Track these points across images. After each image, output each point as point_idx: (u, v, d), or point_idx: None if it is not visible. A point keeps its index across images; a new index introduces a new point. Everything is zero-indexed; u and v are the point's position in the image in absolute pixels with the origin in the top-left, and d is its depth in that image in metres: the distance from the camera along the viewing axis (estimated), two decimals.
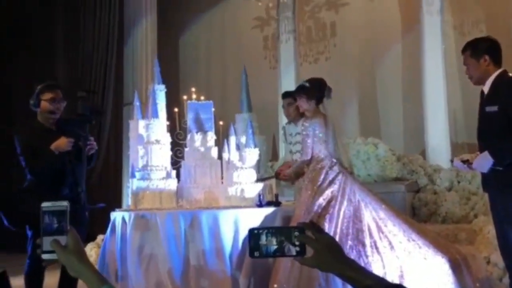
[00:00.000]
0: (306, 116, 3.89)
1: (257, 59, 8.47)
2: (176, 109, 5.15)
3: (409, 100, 7.40)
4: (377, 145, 6.37)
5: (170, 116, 5.09)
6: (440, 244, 3.60)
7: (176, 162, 4.86)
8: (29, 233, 3.37)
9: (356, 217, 3.66)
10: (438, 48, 6.63)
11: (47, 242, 1.22)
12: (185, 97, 5.21)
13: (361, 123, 7.68)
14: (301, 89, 3.90)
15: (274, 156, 7.51)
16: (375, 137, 6.57)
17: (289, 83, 7.39)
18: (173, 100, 5.25)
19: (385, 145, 6.36)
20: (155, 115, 4.68)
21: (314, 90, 3.85)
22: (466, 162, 3.17)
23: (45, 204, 1.25)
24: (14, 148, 3.48)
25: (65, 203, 1.26)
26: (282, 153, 7.11)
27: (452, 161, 3.41)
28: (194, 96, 5.10)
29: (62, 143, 3.39)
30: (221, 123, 5.21)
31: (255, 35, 8.79)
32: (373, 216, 3.67)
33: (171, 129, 4.99)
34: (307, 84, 3.88)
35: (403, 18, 7.60)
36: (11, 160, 3.67)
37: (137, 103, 4.95)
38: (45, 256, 1.22)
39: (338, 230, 3.54)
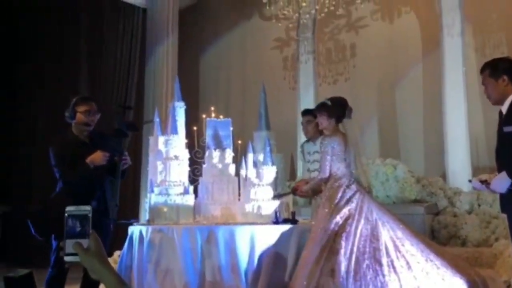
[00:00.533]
0: (326, 134, 3.96)
1: (276, 80, 8.59)
2: (195, 128, 5.26)
3: (429, 122, 7.41)
4: (396, 166, 6.39)
5: (189, 134, 5.20)
6: (458, 265, 3.59)
7: (194, 180, 4.95)
8: (54, 243, 3.44)
9: (373, 235, 3.68)
10: (459, 70, 6.67)
11: (69, 245, 1.28)
12: (204, 115, 5.33)
13: (380, 144, 7.70)
14: (322, 106, 3.99)
15: (292, 175, 7.56)
16: (394, 159, 6.59)
17: (308, 104, 7.47)
18: (192, 119, 5.37)
19: (404, 167, 6.38)
20: (175, 131, 4.79)
21: (336, 108, 3.94)
22: (484, 182, 3.18)
23: (69, 208, 1.32)
24: (49, 159, 3.54)
25: (88, 208, 1.33)
26: (299, 171, 7.17)
27: (470, 181, 3.43)
28: (213, 115, 5.22)
29: (97, 157, 3.45)
30: (239, 142, 5.31)
31: (275, 56, 8.93)
32: (391, 235, 3.68)
33: (190, 147, 5.08)
34: (329, 102, 3.97)
35: (423, 39, 7.66)
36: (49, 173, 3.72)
37: (157, 119, 5.06)
38: (67, 259, 1.29)
39: (355, 249, 3.56)
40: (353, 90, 7.79)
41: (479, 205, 5.93)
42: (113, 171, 3.44)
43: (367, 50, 8.11)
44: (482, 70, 3.25)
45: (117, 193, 3.42)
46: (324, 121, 3.96)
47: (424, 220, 5.75)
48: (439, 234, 5.80)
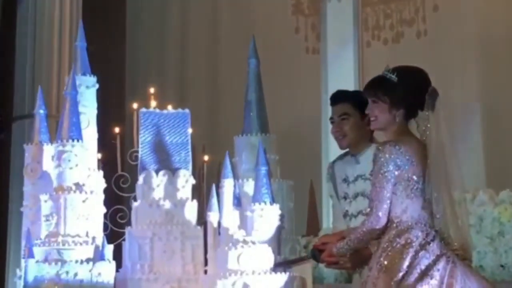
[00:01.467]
0: (385, 142, 4.00)
1: (280, 34, 8.69)
2: (116, 129, 5.30)
3: None
4: None
5: (106, 144, 5.24)
6: None
7: (114, 234, 4.97)
8: None
9: None
10: None
11: None
12: (135, 105, 5.37)
13: (488, 164, 7.77)
14: (380, 85, 4.03)
15: (312, 225, 7.58)
16: None
17: (343, 81, 7.54)
18: (112, 112, 5.40)
19: None
20: (76, 134, 4.82)
21: (406, 89, 3.99)
22: None
23: None
24: None
25: None
26: (327, 217, 7.19)
27: None
28: (153, 104, 5.30)
29: None
30: (205, 157, 5.33)
31: None
32: None
33: (107, 168, 5.13)
34: (394, 76, 4.01)
35: None
36: None
37: (41, 110, 5.09)
38: None
39: None
40: (432, 56, 7.90)
41: None
42: None
43: None
44: None
45: None
46: (382, 114, 3.99)
47: None
48: None
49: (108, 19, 9.10)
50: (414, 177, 3.92)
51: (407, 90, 3.98)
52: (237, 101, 7.79)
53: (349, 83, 7.44)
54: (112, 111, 5.53)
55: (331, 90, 6.65)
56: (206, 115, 7.24)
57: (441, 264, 3.90)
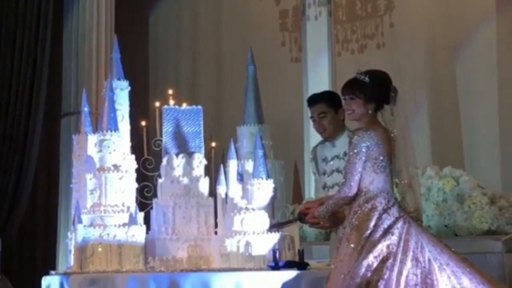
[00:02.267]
0: (359, 128, 3.99)
1: (270, 46, 8.65)
2: (143, 123, 5.31)
3: (510, 111, 7.51)
4: (459, 178, 6.45)
5: (135, 134, 5.25)
6: None
7: (144, 204, 4.99)
8: None
9: (426, 285, 3.73)
10: None
11: None
12: (157, 103, 5.36)
13: (433, 146, 7.77)
14: (355, 84, 4.01)
15: (296, 196, 7.59)
16: (455, 167, 6.64)
17: (319, 83, 7.53)
18: (138, 110, 5.40)
19: (471, 180, 6.44)
20: (114, 126, 4.85)
21: (376, 87, 3.97)
22: None
23: None
24: None
25: None
26: (309, 189, 7.19)
27: None
28: (172, 102, 5.26)
29: None
30: (213, 144, 5.34)
31: (267, 9, 8.99)
32: (453, 284, 3.74)
33: (136, 154, 5.14)
34: (366, 78, 4.01)
35: None
36: None
37: (85, 108, 5.11)
38: None
39: None
40: (390, 63, 7.88)
41: None
42: None
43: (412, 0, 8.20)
44: None
45: None
46: (358, 108, 3.99)
47: (503, 262, 5.78)
48: None
49: (134, 35, 9.07)
50: (380, 157, 3.93)
51: (376, 88, 3.98)
52: (238, 99, 7.82)
53: (325, 85, 7.46)
54: (139, 109, 5.51)
55: (311, 91, 6.69)
56: (213, 111, 7.21)
57: (399, 224, 3.90)
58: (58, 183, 7.81)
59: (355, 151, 3.92)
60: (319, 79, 7.83)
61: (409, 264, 3.77)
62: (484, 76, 7.77)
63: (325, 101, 4.72)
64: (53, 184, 8.12)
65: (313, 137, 7.01)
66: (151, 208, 4.94)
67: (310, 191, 7.20)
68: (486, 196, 6.35)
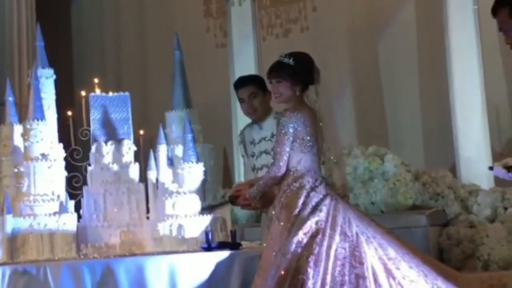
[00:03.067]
0: (286, 110, 4.05)
1: (195, 33, 8.64)
2: (69, 113, 5.25)
3: (428, 89, 7.75)
4: (383, 157, 6.64)
5: (61, 124, 5.20)
6: None
7: (74, 193, 4.97)
8: None
9: (354, 257, 3.82)
10: (468, 10, 7.00)
11: None
12: (83, 93, 5.31)
13: (358, 127, 7.94)
14: (283, 67, 4.05)
15: (226, 181, 7.66)
16: (380, 146, 6.85)
17: (245, 68, 7.59)
18: (63, 101, 5.34)
19: (395, 157, 6.64)
20: (40, 115, 4.79)
21: (301, 69, 4.03)
22: (511, 168, 3.41)
23: None
24: None
25: None
26: (238, 172, 7.27)
27: (491, 168, 3.66)
28: (98, 91, 5.23)
29: None
30: (141, 132, 5.34)
31: None
32: (380, 255, 3.85)
33: (63, 144, 5.08)
34: (291, 61, 4.06)
35: None
36: None
37: (10, 97, 5.06)
38: None
39: (329, 278, 3.69)
40: (313, 46, 7.93)
41: (505, 208, 6.26)
42: None
43: None
44: (496, 9, 3.38)
45: None
46: (285, 90, 4.04)
47: (428, 234, 6.02)
48: (449, 254, 6.09)
49: (57, 23, 8.93)
50: (307, 137, 4.00)
51: (302, 70, 4.04)
52: (163, 87, 7.82)
53: (251, 70, 7.54)
54: (64, 99, 5.44)
55: (237, 75, 6.69)
56: (139, 99, 7.18)
57: (327, 201, 3.98)
58: None
59: (283, 131, 3.98)
60: (245, 64, 7.90)
61: (337, 238, 3.86)
62: (404, 56, 7.97)
63: (255, 83, 4.77)
64: None
65: (241, 121, 7.08)
66: (81, 197, 4.91)
67: (240, 175, 7.28)
68: (410, 173, 6.56)
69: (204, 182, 4.81)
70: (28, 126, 4.75)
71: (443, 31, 7.17)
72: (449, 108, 7.05)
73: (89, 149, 5.03)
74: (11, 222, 4.52)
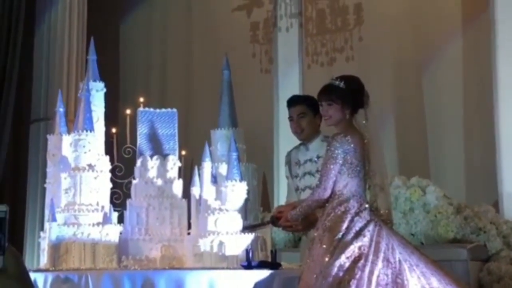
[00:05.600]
0: (336, 133, 4.05)
1: (240, 58, 8.68)
2: (113, 130, 5.32)
3: (473, 123, 7.67)
4: (425, 189, 6.59)
5: (105, 140, 5.26)
6: None
7: (118, 204, 5.04)
8: None
9: (396, 284, 3.80)
10: None
11: None
12: (128, 110, 5.38)
13: (399, 157, 7.88)
14: (333, 90, 4.07)
15: (265, 202, 7.61)
16: (422, 177, 6.79)
17: (289, 94, 7.43)
18: (108, 118, 5.40)
19: (437, 190, 6.59)
20: (89, 126, 4.87)
21: (352, 93, 4.05)
22: None
23: None
24: None
25: (3, 208, 1.37)
26: (278, 196, 7.23)
27: None
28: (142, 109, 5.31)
29: None
30: (183, 153, 5.38)
31: (238, 21, 9.06)
32: (422, 284, 3.82)
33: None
34: (342, 84, 4.08)
35: (464, 1, 7.96)
36: None
37: (61, 108, 5.15)
38: None
39: None
40: (357, 75, 7.90)
41: None
42: None
43: (380, 15, 8.33)
44: None
45: None
46: (336, 113, 4.05)
47: (468, 269, 5.94)
48: None
49: (105, 40, 9.05)
50: (356, 162, 4.00)
51: (352, 93, 4.05)
52: (208, 108, 7.89)
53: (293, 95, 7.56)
54: (108, 116, 5.51)
55: (282, 101, 6.74)
56: (180, 117, 7.22)
57: (371, 227, 3.96)
58: (26, 189, 7.77)
59: (333, 155, 3.98)
60: (289, 91, 7.81)
61: (380, 264, 3.84)
62: (450, 91, 7.91)
63: (306, 103, 4.79)
64: (19, 190, 8.06)
65: (283, 146, 7.12)
66: (124, 210, 4.97)
67: (279, 198, 7.27)
68: (452, 206, 6.49)
69: (246, 201, 4.83)
70: (77, 136, 4.83)
71: (491, 66, 7.12)
72: (493, 142, 6.98)
73: (131, 167, 5.10)
74: (55, 230, 4.60)
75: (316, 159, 4.70)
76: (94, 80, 5.15)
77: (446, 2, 8.03)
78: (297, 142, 4.99)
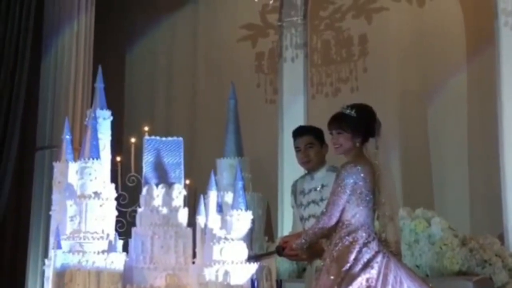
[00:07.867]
0: (347, 163, 4.02)
1: (245, 88, 8.71)
2: (118, 158, 5.32)
3: (478, 154, 7.65)
4: (430, 220, 6.53)
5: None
6: None
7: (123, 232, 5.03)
8: None
9: None
10: None
11: None
12: (133, 139, 5.38)
13: (404, 188, 7.85)
14: (344, 119, 4.05)
15: (269, 232, 7.57)
16: (426, 209, 6.75)
17: (294, 124, 7.51)
18: (112, 147, 5.41)
19: (442, 221, 6.52)
20: (95, 154, 4.87)
21: (363, 121, 4.02)
22: None
23: None
24: None
25: None
26: (282, 226, 7.20)
27: None
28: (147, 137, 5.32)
29: None
30: (187, 181, 5.37)
31: (244, 51, 9.10)
32: None
33: None
34: (353, 112, 4.06)
35: (468, 32, 7.98)
36: None
37: (67, 136, 5.16)
38: None
39: None
40: None
41: None
42: None
43: (385, 46, 8.37)
44: None
45: None
46: (346, 142, 4.02)
47: None
48: None
49: (111, 69, 9.10)
50: (365, 191, 3.96)
51: (363, 122, 4.03)
52: (209, 135, 7.89)
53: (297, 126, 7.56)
54: (113, 144, 5.51)
55: (286, 131, 6.74)
56: (185, 146, 7.25)
57: (379, 258, 3.92)
58: (29, 217, 7.76)
59: (341, 184, 3.94)
60: (293, 121, 7.85)
61: None
62: (454, 121, 7.92)
63: (313, 134, 4.77)
64: (23, 218, 8.06)
65: (287, 176, 7.10)
66: (128, 238, 4.97)
67: (284, 228, 7.21)
68: (457, 238, 6.44)
69: (251, 231, 4.82)
70: (83, 164, 4.84)
71: (495, 98, 7.13)
72: (498, 174, 6.96)
73: (135, 195, 5.10)
74: (60, 258, 4.59)
75: (320, 188, 4.68)
76: (101, 108, 5.18)
77: (451, 35, 8.05)
78: (302, 171, 4.96)
